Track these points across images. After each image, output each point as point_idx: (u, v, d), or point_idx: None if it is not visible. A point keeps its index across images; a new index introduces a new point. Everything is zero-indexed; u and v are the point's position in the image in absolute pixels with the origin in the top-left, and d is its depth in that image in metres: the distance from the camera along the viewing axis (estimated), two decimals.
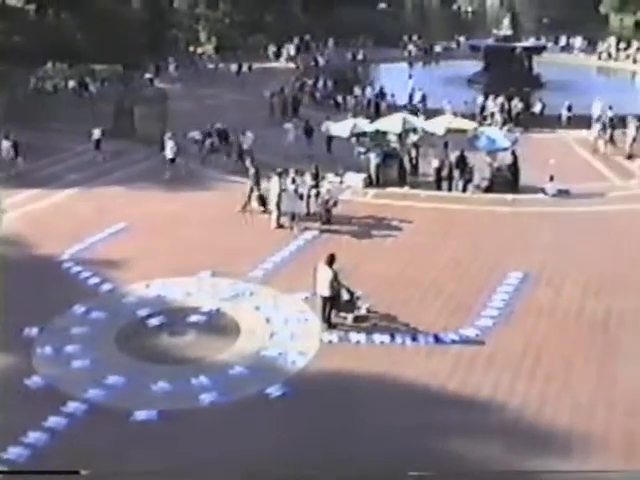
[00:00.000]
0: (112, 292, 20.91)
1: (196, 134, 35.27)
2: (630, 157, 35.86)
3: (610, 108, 40.17)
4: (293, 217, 26.14)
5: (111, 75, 53.40)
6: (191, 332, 18.59)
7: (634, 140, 36.37)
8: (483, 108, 43.37)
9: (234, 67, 60.52)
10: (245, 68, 60.69)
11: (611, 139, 37.41)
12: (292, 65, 62.58)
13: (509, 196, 29.50)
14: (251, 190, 27.60)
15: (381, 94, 47.24)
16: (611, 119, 38.83)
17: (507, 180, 30.84)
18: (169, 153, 32.27)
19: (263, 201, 27.23)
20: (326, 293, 18.51)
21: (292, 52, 68.68)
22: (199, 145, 34.98)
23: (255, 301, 20.15)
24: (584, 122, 40.67)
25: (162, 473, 13.66)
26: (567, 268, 22.45)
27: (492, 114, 42.09)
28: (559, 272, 22.17)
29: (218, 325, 19.02)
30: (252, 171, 28.12)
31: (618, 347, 17.83)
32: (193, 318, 19.21)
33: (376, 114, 40.89)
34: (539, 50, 59.97)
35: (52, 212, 28.04)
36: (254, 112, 43.46)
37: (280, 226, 25.99)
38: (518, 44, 57.14)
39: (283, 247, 24.10)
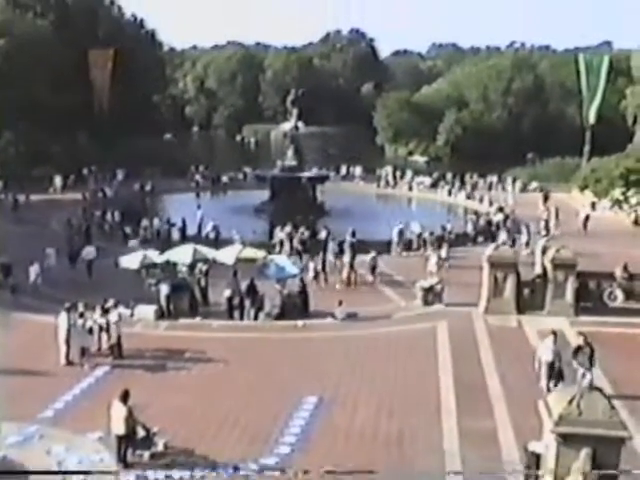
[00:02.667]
0: None
1: None
2: (349, 283, 36.94)
3: (353, 235, 41.85)
4: (83, 353, 25.41)
5: None
6: None
7: (351, 266, 37.69)
8: (270, 236, 44.54)
9: (20, 198, 58.65)
10: (23, 199, 58.59)
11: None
12: (79, 196, 61.65)
13: (300, 322, 30.13)
14: None
15: (170, 224, 47.40)
16: (352, 244, 40.13)
17: (297, 306, 31.57)
18: None
19: None
20: (121, 431, 18.02)
21: (78, 183, 67.94)
22: None
23: (46, 444, 19.21)
24: (367, 246, 42.59)
25: None
26: (360, 390, 23.13)
27: (280, 242, 43.16)
28: (352, 394, 22.80)
29: (5, 473, 17.93)
30: None
31: (413, 465, 18.37)
32: None
33: (166, 244, 40.76)
34: (322, 179, 62.60)
35: None
36: (39, 244, 42.20)
37: (70, 362, 25.14)
38: (302, 174, 59.39)
39: (74, 385, 23.30)
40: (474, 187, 69.57)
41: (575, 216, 52.95)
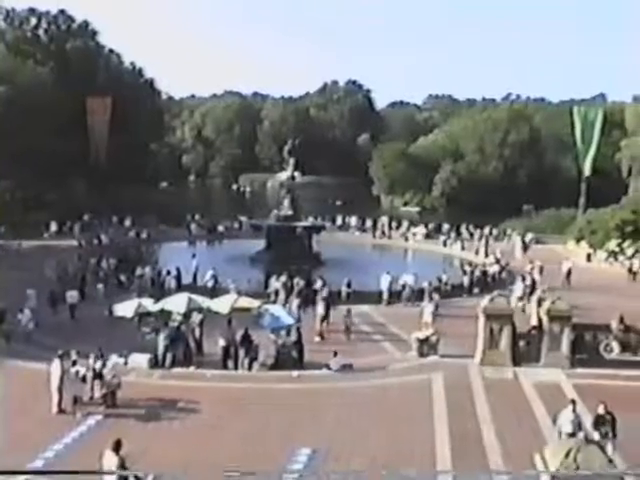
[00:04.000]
0: None
1: None
2: (322, 337, 35.93)
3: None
4: (75, 401, 25.18)
5: None
6: None
7: (323, 318, 36.98)
8: (266, 286, 44.47)
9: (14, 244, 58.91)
10: (16, 245, 58.93)
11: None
12: (74, 243, 61.69)
13: (295, 372, 29.88)
14: None
15: (166, 273, 47.26)
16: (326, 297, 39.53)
17: (292, 357, 31.37)
18: None
19: None
20: None
21: (73, 229, 68.03)
22: None
23: None
24: (363, 297, 42.74)
25: None
26: (354, 442, 22.84)
27: (276, 292, 43.06)
28: (346, 446, 22.51)
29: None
30: None
31: None
32: None
33: (161, 293, 40.66)
34: (318, 229, 62.72)
35: None
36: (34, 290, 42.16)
37: (62, 411, 24.89)
38: (298, 224, 59.49)
39: (66, 434, 23.02)
40: (486, 239, 68.02)
41: (558, 270, 52.05)
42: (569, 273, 51.01)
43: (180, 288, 42.47)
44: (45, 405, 24.99)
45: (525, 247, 62.77)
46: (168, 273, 47.08)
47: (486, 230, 73.97)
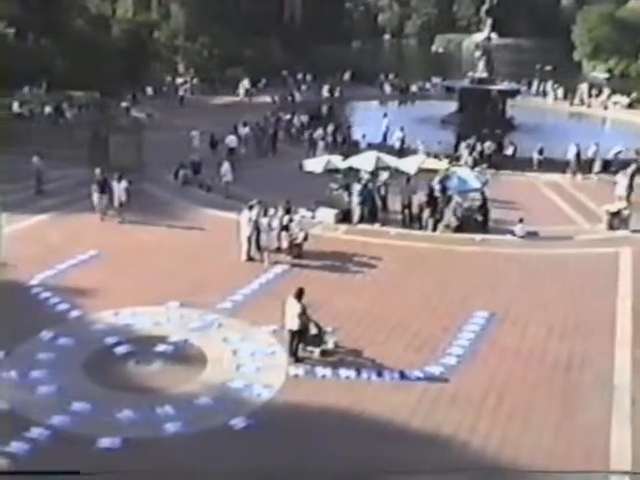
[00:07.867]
0: (80, 319, 20.89)
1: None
2: None
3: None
4: (264, 250, 26.27)
5: (88, 102, 53.20)
6: (158, 361, 18.59)
7: None
8: (456, 148, 43.90)
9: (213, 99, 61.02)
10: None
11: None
12: (268, 100, 62.90)
13: (478, 236, 29.79)
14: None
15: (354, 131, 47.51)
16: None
17: (477, 220, 31.21)
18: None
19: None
20: (294, 327, 18.62)
21: (268, 87, 69.11)
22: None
23: (223, 333, 20.21)
24: (555, 166, 41.53)
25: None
26: (532, 310, 22.72)
27: (468, 153, 42.30)
28: (524, 313, 22.43)
29: (185, 355, 19.05)
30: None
31: (579, 389, 18.05)
32: (160, 347, 19.21)
33: (350, 151, 40.94)
34: (513, 93, 60.84)
35: (23, 237, 27.78)
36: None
37: (250, 259, 26.10)
38: (492, 87, 57.94)
39: (253, 280, 24.19)
40: None
41: None
42: None
43: (370, 147, 42.39)
44: (235, 253, 26.24)
45: None
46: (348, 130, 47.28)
47: None
